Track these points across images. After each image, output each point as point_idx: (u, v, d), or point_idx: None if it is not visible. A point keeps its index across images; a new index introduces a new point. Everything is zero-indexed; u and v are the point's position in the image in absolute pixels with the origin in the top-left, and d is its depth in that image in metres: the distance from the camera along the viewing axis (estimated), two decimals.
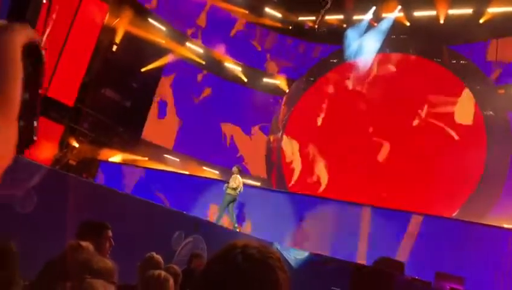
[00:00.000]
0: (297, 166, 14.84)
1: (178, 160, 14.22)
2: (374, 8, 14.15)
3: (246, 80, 15.85)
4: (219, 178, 12.53)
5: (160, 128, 14.46)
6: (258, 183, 14.03)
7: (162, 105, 14.62)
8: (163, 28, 14.07)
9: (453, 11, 13.04)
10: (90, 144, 12.21)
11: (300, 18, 15.73)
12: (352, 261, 7.72)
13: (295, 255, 7.58)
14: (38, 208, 4.30)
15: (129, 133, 13.47)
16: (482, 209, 10.97)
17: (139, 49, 13.06)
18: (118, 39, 12.89)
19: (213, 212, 9.98)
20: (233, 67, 15.74)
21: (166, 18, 14.14)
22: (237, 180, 9.21)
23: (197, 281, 0.96)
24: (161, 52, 14.05)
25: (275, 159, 15.45)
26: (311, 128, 14.86)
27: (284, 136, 15.44)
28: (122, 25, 12.79)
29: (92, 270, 2.06)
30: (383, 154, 13.43)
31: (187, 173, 12.83)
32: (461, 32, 12.67)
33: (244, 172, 11.80)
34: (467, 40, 12.84)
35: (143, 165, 12.68)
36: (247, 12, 15.52)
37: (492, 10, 12.45)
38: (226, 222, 9.39)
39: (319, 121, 14.88)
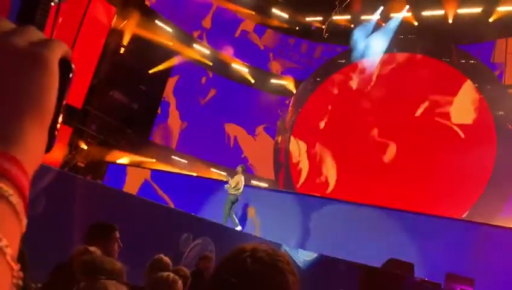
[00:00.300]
0: (304, 167, 14.81)
1: (186, 161, 14.25)
2: (381, 8, 14.09)
3: (253, 81, 15.86)
4: (226, 180, 12.52)
5: (167, 130, 14.52)
6: (263, 184, 14.01)
7: (166, 106, 14.67)
8: (170, 30, 14.13)
9: (462, 10, 12.94)
10: (99, 146, 12.29)
11: (308, 19, 15.72)
12: (361, 262, 7.67)
13: (303, 257, 7.55)
14: (47, 209, 4.33)
15: (137, 135, 13.53)
16: (493, 210, 10.86)
17: (147, 52, 13.11)
18: (125, 41, 12.97)
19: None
20: (240, 68, 15.75)
21: (173, 20, 14.20)
22: (239, 180, 9.14)
23: (206, 285, 0.96)
24: (168, 54, 14.11)
25: (282, 160, 15.42)
26: (318, 129, 14.82)
27: (292, 138, 15.41)
28: (130, 27, 12.86)
29: (104, 270, 2.07)
30: (390, 155, 13.35)
31: (195, 174, 12.85)
32: (470, 32, 12.56)
33: (248, 172, 11.77)
34: (476, 39, 12.73)
35: (150, 167, 12.74)
36: (253, 13, 15.53)
37: (502, 9, 12.32)
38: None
39: (326, 122, 14.83)
